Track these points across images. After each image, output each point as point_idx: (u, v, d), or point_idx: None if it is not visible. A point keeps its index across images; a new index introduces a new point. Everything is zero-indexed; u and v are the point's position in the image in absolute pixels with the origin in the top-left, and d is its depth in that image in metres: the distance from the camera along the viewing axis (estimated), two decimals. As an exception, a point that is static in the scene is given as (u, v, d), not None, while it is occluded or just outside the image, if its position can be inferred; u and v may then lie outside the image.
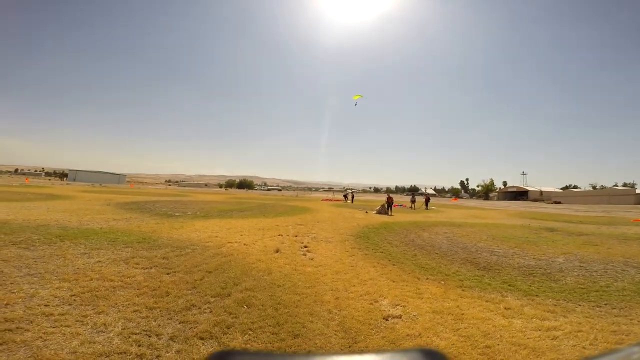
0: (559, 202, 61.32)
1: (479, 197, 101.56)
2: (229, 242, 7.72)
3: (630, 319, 3.79)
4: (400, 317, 3.70)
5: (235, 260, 6.02)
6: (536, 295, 4.64)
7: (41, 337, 2.84)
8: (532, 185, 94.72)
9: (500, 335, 3.30)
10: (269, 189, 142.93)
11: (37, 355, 2.56)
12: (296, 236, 9.29)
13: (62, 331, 2.98)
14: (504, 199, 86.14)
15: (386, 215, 18.13)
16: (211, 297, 4.02)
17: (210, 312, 3.57)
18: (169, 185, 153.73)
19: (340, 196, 46.33)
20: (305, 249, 7.51)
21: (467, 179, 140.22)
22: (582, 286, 5.13)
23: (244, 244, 7.59)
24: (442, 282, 5.18)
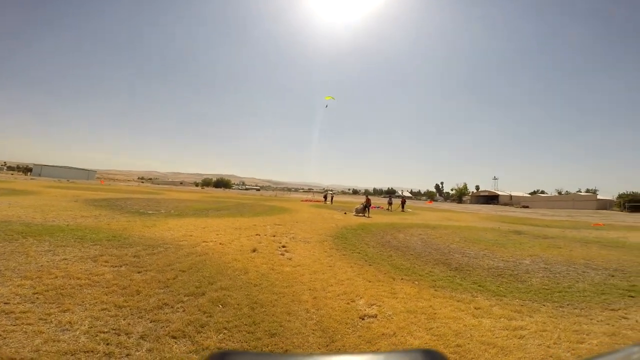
0: (527, 207, 64.29)
1: (453, 201, 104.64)
2: (204, 241, 7.55)
3: (591, 319, 4.00)
4: (375, 316, 3.75)
5: (211, 259, 5.90)
6: (504, 296, 4.82)
7: (0, 336, 2.71)
8: (503, 189, 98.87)
9: (471, 335, 3.40)
10: (247, 189, 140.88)
11: None
12: (274, 236, 9.21)
13: (24, 329, 2.85)
14: (476, 202, 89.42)
15: (364, 217, 18.33)
16: (184, 296, 3.92)
17: (184, 311, 3.48)
18: (142, 182, 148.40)
19: (320, 197, 46.44)
20: (284, 248, 7.46)
21: (442, 183, 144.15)
22: (546, 287, 5.37)
23: (220, 244, 7.45)
24: (416, 283, 5.29)
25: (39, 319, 3.05)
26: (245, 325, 3.26)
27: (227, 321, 3.31)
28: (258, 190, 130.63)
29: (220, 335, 3.01)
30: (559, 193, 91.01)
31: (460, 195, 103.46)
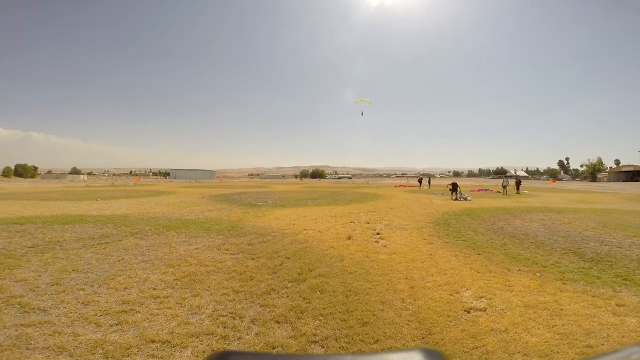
0: (695, 184, 48.72)
1: (584, 179, 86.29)
2: (304, 229, 8.06)
3: None
4: (484, 310, 3.42)
5: (311, 246, 6.27)
6: (661, 292, 3.83)
7: (148, 319, 3.21)
8: (656, 162, 76.73)
9: (607, 335, 2.84)
10: (339, 178, 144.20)
11: (142, 335, 2.89)
12: (368, 223, 9.23)
13: (165, 313, 3.34)
14: (617, 180, 71.72)
15: (468, 201, 16.72)
16: (289, 282, 4.26)
17: (287, 296, 3.78)
18: (252, 178, 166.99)
19: (415, 182, 44.22)
20: (378, 236, 7.42)
21: (567, 159, 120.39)
22: None
23: (318, 231, 7.85)
24: (538, 274, 4.62)
25: (176, 303, 3.59)
26: (340, 312, 3.35)
27: (323, 308, 3.46)
28: (350, 178, 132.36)
29: (317, 322, 3.16)
30: None
31: (593, 172, 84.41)
